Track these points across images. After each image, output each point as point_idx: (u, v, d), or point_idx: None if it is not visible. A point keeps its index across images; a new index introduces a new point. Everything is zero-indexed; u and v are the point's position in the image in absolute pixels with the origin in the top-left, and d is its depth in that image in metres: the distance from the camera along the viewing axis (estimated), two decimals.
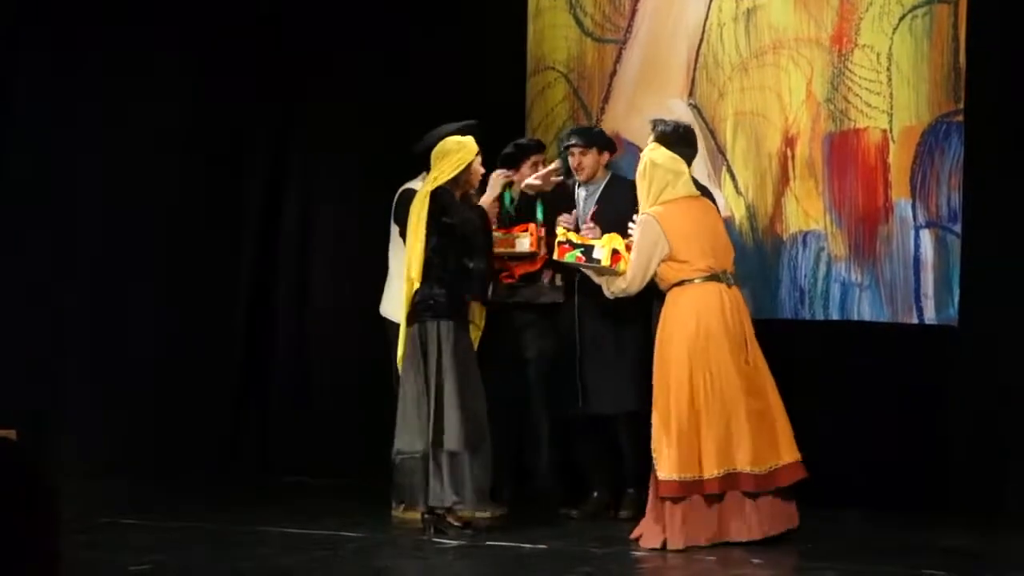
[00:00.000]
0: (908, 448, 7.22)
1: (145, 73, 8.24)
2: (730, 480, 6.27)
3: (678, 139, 6.69)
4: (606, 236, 6.57)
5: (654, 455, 6.34)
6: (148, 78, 8.24)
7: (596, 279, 6.66)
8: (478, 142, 6.98)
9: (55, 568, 2.45)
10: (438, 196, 6.65)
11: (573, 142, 7.03)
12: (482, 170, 6.80)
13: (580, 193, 7.05)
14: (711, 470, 6.26)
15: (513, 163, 7.16)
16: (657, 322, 6.66)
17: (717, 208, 6.84)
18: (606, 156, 7.07)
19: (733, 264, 6.58)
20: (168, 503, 7.35)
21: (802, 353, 6.65)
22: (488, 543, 6.46)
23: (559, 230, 6.66)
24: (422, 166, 7.00)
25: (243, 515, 7.03)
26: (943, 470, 7.18)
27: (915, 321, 7.20)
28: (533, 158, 7.19)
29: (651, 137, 6.73)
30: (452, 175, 6.68)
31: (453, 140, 6.74)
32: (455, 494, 6.50)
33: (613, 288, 6.60)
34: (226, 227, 8.28)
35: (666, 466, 6.30)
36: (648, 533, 6.36)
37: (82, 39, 8.29)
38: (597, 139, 7.07)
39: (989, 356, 7.09)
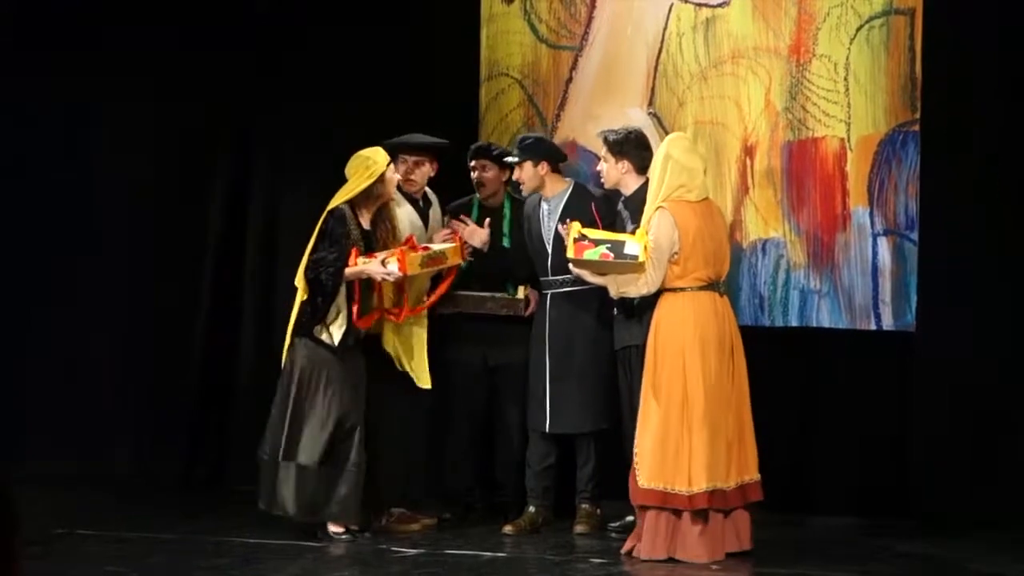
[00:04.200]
0: (866, 454, 7.27)
1: (110, 73, 8.20)
2: (717, 496, 6.23)
3: (632, 145, 6.68)
4: (639, 231, 6.33)
5: (636, 462, 6.28)
6: (113, 78, 8.20)
7: (597, 280, 6.44)
8: (451, 162, 7.00)
9: (15, 570, 2.42)
10: (329, 218, 6.65)
11: (505, 161, 6.98)
12: (397, 177, 6.75)
13: (543, 208, 6.98)
14: (700, 484, 6.19)
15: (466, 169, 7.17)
16: (619, 327, 6.64)
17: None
18: (544, 166, 6.90)
19: (726, 273, 6.53)
20: (125, 514, 7.30)
21: (762, 359, 6.67)
22: (447, 551, 6.45)
23: (574, 226, 6.44)
24: None
25: (201, 525, 6.99)
26: (901, 476, 7.22)
27: (873, 327, 7.25)
28: (473, 162, 7.17)
29: (604, 150, 6.70)
30: (362, 188, 6.66)
31: (362, 155, 6.70)
32: (294, 503, 6.58)
33: (628, 289, 6.35)
34: (190, 228, 8.22)
35: (646, 473, 6.24)
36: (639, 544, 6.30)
37: (46, 38, 8.24)
38: (527, 151, 6.89)
39: (946, 362, 7.14)
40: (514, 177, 6.98)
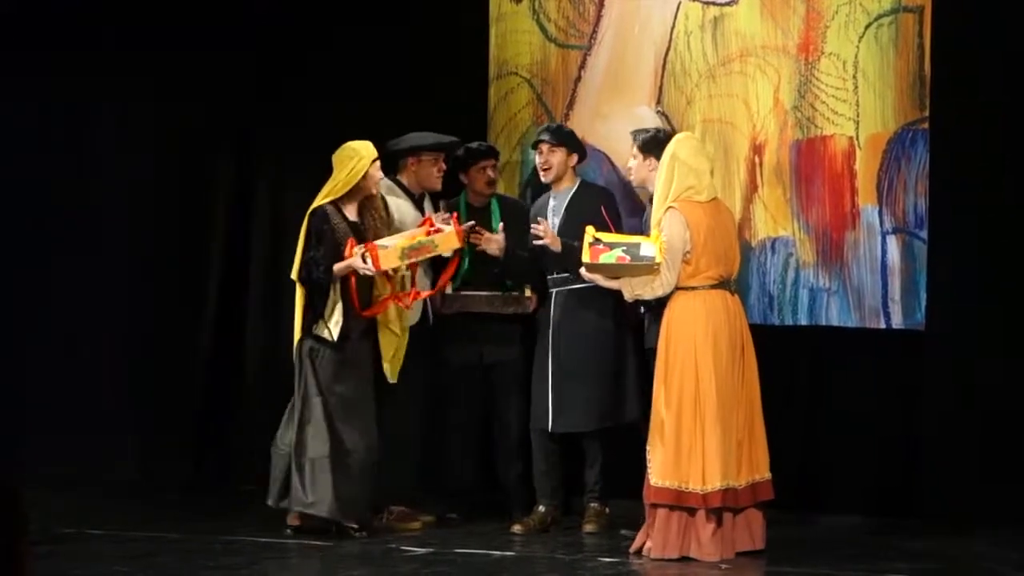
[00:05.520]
0: (876, 453, 7.26)
1: (110, 73, 8.20)
2: (730, 495, 6.20)
3: (660, 144, 6.64)
4: (653, 233, 6.30)
5: (648, 460, 6.27)
6: (113, 78, 8.20)
7: (610, 283, 6.42)
8: (450, 158, 7.01)
9: (22, 570, 2.42)
10: (312, 219, 6.69)
11: (543, 138, 6.99)
12: (380, 175, 6.77)
13: (550, 203, 7.01)
14: (714, 483, 6.16)
15: (462, 167, 7.16)
16: (650, 327, 6.61)
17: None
18: (574, 158, 7.00)
19: (737, 271, 6.51)
20: (132, 514, 7.30)
21: (771, 358, 6.65)
22: (457, 550, 6.45)
23: (588, 230, 6.39)
24: (387, 170, 7.00)
25: (209, 525, 6.98)
26: (910, 474, 7.21)
27: (882, 326, 7.23)
28: (482, 163, 7.17)
29: (634, 148, 6.67)
30: (347, 188, 6.69)
31: (350, 147, 6.72)
32: (308, 497, 6.63)
33: (642, 291, 6.32)
34: (193, 227, 8.22)
35: (659, 472, 6.22)
36: (649, 542, 6.27)
37: (46, 38, 8.24)
38: (567, 139, 7.02)
39: (956, 361, 7.13)
40: (541, 162, 6.97)
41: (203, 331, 8.23)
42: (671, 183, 6.33)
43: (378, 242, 6.65)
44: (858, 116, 7.26)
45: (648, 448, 6.29)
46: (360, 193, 6.75)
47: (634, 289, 6.36)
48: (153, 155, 8.22)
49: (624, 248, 6.28)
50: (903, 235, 7.21)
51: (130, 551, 6.40)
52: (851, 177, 7.27)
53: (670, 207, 6.31)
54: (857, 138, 7.27)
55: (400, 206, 7.02)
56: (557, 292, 6.93)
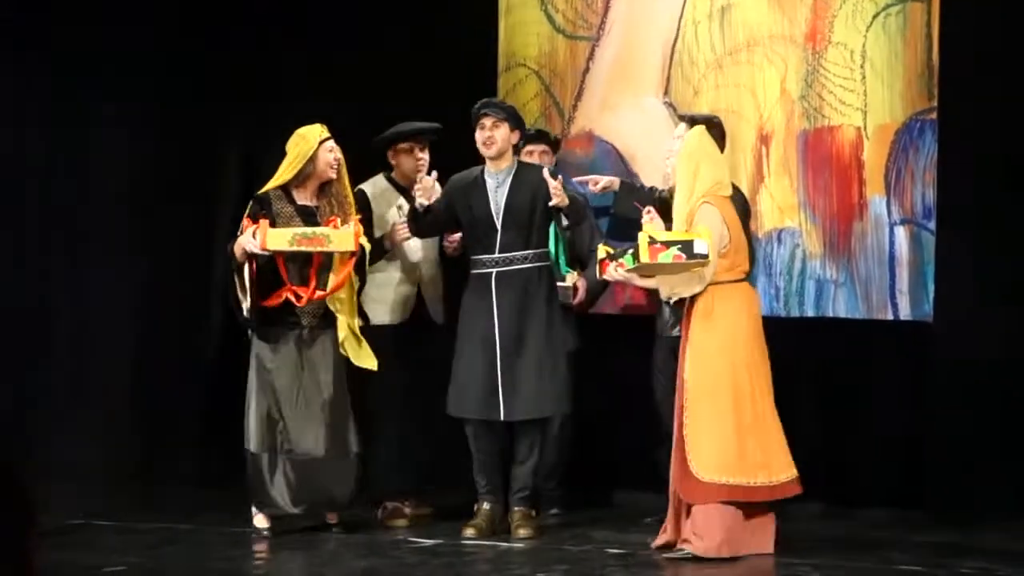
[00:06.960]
0: (883, 445, 7.25)
1: (110, 72, 8.20)
2: (776, 490, 6.11)
3: (717, 131, 6.56)
4: (703, 230, 6.06)
5: (692, 456, 6.04)
6: (113, 78, 8.19)
7: (646, 283, 6.25)
8: (440, 144, 6.96)
9: (31, 568, 2.43)
10: (252, 204, 6.60)
11: (487, 111, 6.60)
12: (332, 156, 6.58)
13: (489, 183, 6.68)
14: (757, 476, 6.05)
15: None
16: (671, 316, 6.57)
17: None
18: (516, 135, 6.70)
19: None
20: (141, 506, 7.32)
21: (778, 350, 6.64)
22: (464, 541, 6.46)
23: (646, 228, 6.12)
24: (379, 166, 7.00)
25: (216, 517, 6.99)
26: (917, 466, 7.20)
27: (890, 318, 7.23)
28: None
29: (684, 128, 6.45)
30: (294, 172, 6.59)
31: (297, 132, 6.64)
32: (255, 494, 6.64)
33: (683, 288, 6.14)
34: (198, 229, 8.23)
35: (710, 468, 6.02)
36: (690, 538, 6.09)
37: (47, 37, 8.24)
38: (511, 113, 6.71)
39: (963, 352, 7.12)
40: (485, 135, 6.62)
41: (207, 330, 8.22)
42: (697, 176, 6.18)
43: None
44: (866, 106, 7.25)
45: (688, 444, 6.06)
46: (314, 178, 6.60)
47: (674, 287, 6.17)
48: (154, 156, 8.21)
49: (679, 247, 6.01)
50: (911, 226, 7.20)
51: (137, 542, 6.41)
52: (859, 168, 7.26)
53: (705, 202, 6.15)
54: (865, 128, 7.26)
55: (387, 199, 6.97)
56: (499, 273, 6.58)
